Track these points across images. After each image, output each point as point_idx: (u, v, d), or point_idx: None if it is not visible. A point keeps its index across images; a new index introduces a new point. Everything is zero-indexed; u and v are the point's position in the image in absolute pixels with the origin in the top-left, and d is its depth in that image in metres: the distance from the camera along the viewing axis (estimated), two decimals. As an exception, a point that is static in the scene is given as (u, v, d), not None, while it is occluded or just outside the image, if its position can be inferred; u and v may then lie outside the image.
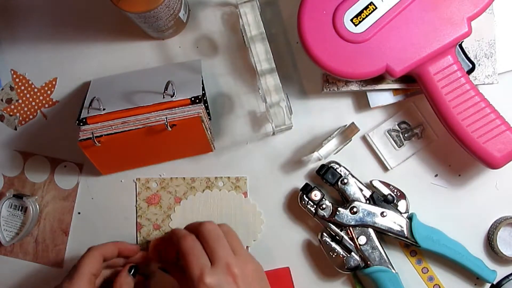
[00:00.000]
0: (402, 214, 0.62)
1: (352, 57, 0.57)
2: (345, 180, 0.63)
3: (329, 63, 0.58)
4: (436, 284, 0.65)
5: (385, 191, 0.64)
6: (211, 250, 0.55)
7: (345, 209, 0.62)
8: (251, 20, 0.59)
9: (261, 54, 0.59)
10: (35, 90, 0.68)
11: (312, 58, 0.58)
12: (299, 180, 0.66)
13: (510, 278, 0.63)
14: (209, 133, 0.62)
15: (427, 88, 0.59)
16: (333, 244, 0.62)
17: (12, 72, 0.69)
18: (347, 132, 0.63)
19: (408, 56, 0.57)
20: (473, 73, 0.62)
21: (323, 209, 0.62)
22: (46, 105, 0.68)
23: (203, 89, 0.64)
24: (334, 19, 0.57)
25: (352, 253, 0.62)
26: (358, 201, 0.62)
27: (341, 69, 0.58)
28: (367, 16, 0.57)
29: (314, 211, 0.63)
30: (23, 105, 0.68)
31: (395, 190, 0.64)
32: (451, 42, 0.57)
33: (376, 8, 0.57)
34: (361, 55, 0.57)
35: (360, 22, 0.57)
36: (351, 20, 0.57)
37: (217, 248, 0.55)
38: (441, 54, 0.58)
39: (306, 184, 0.63)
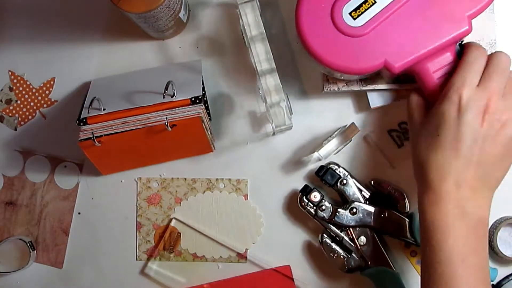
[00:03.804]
0: (402, 214, 0.62)
1: (350, 51, 0.56)
2: (344, 181, 0.63)
3: (327, 57, 0.56)
4: (436, 284, 0.64)
5: (385, 191, 0.63)
6: (487, 76, 0.53)
7: (345, 210, 0.62)
8: (251, 20, 0.59)
9: (261, 54, 0.59)
10: (33, 90, 0.68)
11: (310, 52, 0.57)
12: (298, 181, 0.66)
13: (510, 278, 0.63)
14: (209, 133, 0.62)
15: (426, 86, 0.59)
16: (334, 245, 0.62)
17: (10, 73, 0.68)
18: (347, 132, 0.63)
19: (407, 52, 0.56)
20: (474, 73, 0.62)
21: (322, 210, 0.62)
22: (45, 105, 0.68)
23: (203, 89, 0.64)
24: (332, 12, 0.56)
25: (353, 254, 0.62)
26: (358, 201, 0.62)
27: (339, 63, 0.57)
28: (366, 9, 0.56)
29: (314, 212, 0.63)
30: (21, 105, 0.68)
31: (395, 190, 0.64)
32: (451, 39, 0.57)
33: (375, 1, 0.56)
34: (359, 49, 0.56)
35: (359, 15, 0.56)
36: (350, 13, 0.56)
37: (493, 78, 0.53)
38: (440, 51, 0.57)
39: (306, 186, 0.63)
